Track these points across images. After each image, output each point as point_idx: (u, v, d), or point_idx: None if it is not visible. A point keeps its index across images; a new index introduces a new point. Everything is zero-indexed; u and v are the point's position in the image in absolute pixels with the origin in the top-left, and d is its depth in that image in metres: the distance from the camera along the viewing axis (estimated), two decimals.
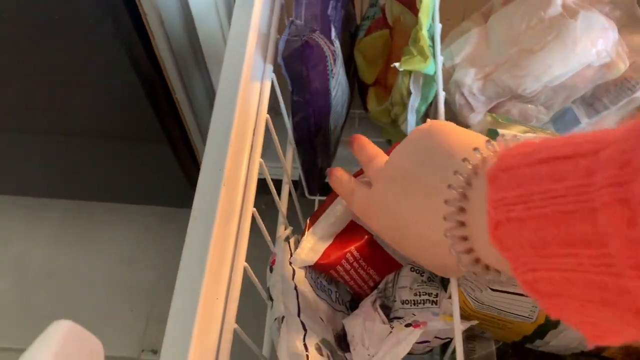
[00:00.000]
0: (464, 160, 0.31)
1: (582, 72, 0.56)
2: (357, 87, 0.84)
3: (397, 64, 0.60)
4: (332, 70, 0.61)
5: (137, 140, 0.79)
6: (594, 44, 0.55)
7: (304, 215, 0.73)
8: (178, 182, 0.89)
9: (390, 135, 0.82)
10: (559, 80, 0.57)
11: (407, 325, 0.49)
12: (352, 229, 0.54)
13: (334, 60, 0.61)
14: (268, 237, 0.52)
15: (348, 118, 0.83)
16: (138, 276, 1.04)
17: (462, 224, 0.30)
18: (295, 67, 0.54)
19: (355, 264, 0.56)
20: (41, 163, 0.95)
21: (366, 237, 0.54)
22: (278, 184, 0.65)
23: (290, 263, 0.53)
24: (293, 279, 0.51)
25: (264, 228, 0.49)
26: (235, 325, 0.41)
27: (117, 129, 0.78)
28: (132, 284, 1.03)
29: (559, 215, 0.23)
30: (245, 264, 0.44)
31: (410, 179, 0.36)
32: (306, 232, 0.54)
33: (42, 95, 0.75)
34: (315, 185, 0.76)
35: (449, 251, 0.31)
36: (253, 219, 0.46)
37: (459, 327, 0.44)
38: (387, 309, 0.58)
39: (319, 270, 0.56)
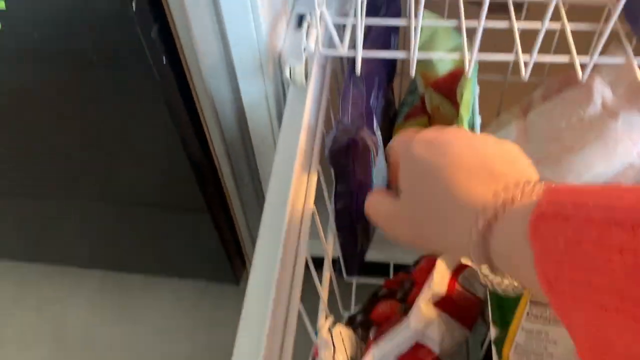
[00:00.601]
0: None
1: (624, 172, 0.57)
2: None
3: None
4: (374, 160, 0.63)
5: (179, 213, 0.82)
6: (635, 145, 0.56)
7: (341, 297, 0.73)
8: (217, 257, 0.90)
9: None
10: (601, 179, 0.57)
11: None
12: (416, 351, 0.53)
13: (377, 151, 0.63)
14: (311, 329, 0.52)
15: None
16: (172, 347, 1.04)
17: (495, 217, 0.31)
18: (342, 161, 0.56)
19: None
20: (83, 232, 0.98)
21: (430, 357, 0.52)
22: (317, 262, 0.66)
23: (334, 358, 0.53)
24: None
25: (309, 323, 0.50)
26: None
27: (162, 202, 0.81)
28: (166, 355, 1.03)
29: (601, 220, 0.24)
30: None
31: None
32: (367, 355, 0.53)
33: (90, 166, 0.79)
34: (354, 268, 0.77)
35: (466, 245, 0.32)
36: None
37: None
38: None
39: None
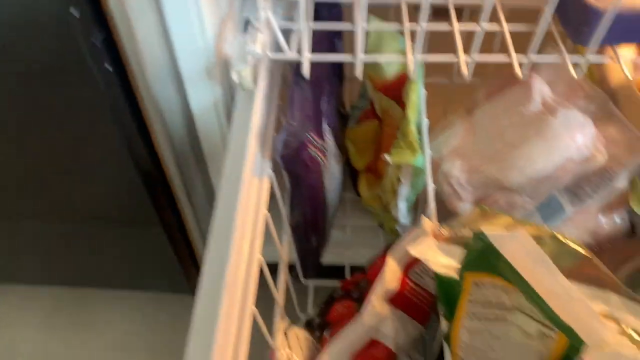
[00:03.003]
0: None
1: (564, 165, 0.59)
2: (349, 171, 0.87)
3: (387, 157, 0.63)
4: (324, 164, 0.64)
5: (131, 226, 0.80)
6: (574, 140, 0.58)
7: (299, 301, 0.74)
8: (172, 268, 0.89)
9: (381, 219, 0.84)
10: (543, 174, 0.59)
11: None
12: (371, 347, 0.54)
13: (325, 155, 0.64)
14: (267, 334, 0.52)
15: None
16: None
17: None
18: (292, 165, 0.57)
19: None
20: (33, 249, 0.95)
21: (385, 353, 0.54)
22: (272, 268, 0.66)
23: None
24: None
25: (264, 326, 0.49)
26: None
27: (113, 215, 0.79)
28: None
29: None
30: None
31: None
32: (323, 353, 0.54)
33: (39, 183, 0.77)
34: (311, 270, 0.77)
35: None
36: None
37: None
38: None
39: None
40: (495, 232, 0.40)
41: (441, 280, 0.47)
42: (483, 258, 0.40)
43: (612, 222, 0.66)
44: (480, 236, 0.39)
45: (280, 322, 0.59)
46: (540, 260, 0.37)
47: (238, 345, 0.44)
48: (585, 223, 0.65)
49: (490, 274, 0.42)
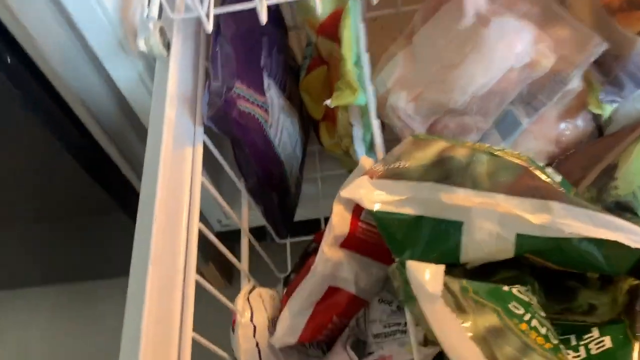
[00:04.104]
0: None
1: (506, 76, 0.56)
2: (311, 123, 0.85)
3: (328, 102, 0.61)
4: (265, 120, 0.62)
5: (98, 216, 0.80)
6: (511, 48, 0.55)
7: (275, 262, 0.73)
8: None
9: (348, 165, 0.82)
10: (485, 89, 0.57)
11: None
12: (331, 295, 0.53)
13: (267, 110, 0.62)
14: (224, 299, 0.52)
15: (308, 154, 0.83)
16: None
17: None
18: (224, 125, 0.55)
19: (335, 325, 0.55)
20: (24, 253, 0.96)
21: (347, 298, 0.53)
22: (254, 232, 0.65)
23: (252, 320, 0.53)
24: (254, 336, 0.51)
25: (215, 290, 0.49)
26: None
27: (75, 210, 0.79)
28: None
29: None
30: (194, 333, 0.44)
31: None
32: (283, 309, 0.53)
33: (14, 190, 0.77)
34: (283, 229, 0.76)
35: None
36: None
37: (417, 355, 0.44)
38: (363, 344, 0.58)
39: None
40: None
41: (378, 217, 0.45)
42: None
43: (574, 127, 0.63)
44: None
45: (246, 286, 0.58)
46: None
47: (184, 313, 0.44)
48: (545, 132, 0.63)
49: None
